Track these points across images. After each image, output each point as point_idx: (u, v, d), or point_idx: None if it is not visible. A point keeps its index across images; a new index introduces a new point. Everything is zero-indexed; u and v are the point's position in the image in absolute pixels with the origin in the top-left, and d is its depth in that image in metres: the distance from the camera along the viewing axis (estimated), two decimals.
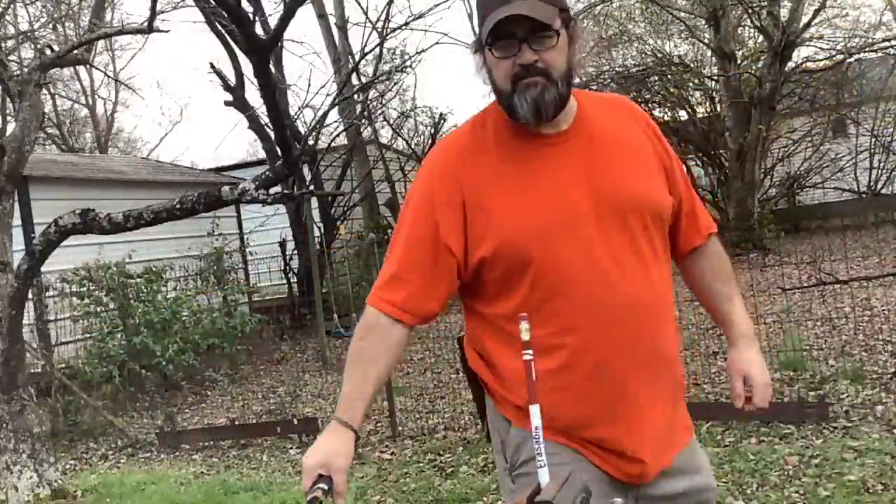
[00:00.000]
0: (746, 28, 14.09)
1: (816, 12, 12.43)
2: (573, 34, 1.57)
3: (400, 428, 5.63)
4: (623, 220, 1.55)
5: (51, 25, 15.16)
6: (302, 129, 10.30)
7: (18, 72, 5.61)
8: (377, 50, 11.09)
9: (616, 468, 1.55)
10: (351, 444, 1.50)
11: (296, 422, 5.88)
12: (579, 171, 1.56)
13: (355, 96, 11.34)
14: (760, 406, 1.73)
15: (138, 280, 8.04)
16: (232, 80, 10.53)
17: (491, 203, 1.54)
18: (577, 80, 1.61)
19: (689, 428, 1.70)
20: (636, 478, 1.56)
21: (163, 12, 9.47)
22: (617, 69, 14.11)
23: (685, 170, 1.76)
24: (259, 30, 8.00)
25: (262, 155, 12.93)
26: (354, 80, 11.60)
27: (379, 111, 12.77)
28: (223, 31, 10.12)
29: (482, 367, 1.66)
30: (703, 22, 13.14)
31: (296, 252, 11.25)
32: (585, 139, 1.59)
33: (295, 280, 11.29)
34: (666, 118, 14.13)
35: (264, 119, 9.97)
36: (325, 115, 10.10)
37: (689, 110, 13.95)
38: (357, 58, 11.43)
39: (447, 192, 1.56)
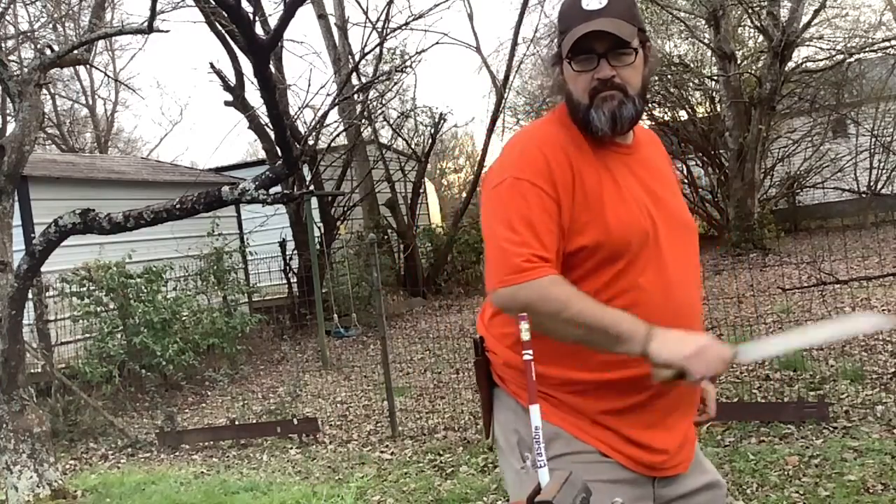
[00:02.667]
0: (746, 28, 14.10)
1: (816, 12, 12.43)
2: (648, 54, 1.62)
3: (400, 428, 5.63)
4: (680, 235, 1.65)
5: (51, 25, 15.17)
6: (302, 129, 10.31)
7: (18, 72, 5.61)
8: (377, 50, 11.11)
9: (637, 460, 1.58)
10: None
11: (296, 422, 5.88)
12: (645, 184, 1.64)
13: (355, 96, 11.34)
14: (712, 417, 1.78)
15: (138, 280, 8.04)
16: (232, 80, 10.53)
17: (595, 194, 1.55)
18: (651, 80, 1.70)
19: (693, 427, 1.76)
20: (657, 467, 1.59)
21: (163, 12, 9.46)
22: None
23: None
24: (259, 30, 8.00)
25: (262, 155, 12.93)
26: (354, 80, 11.60)
27: (379, 111, 12.78)
28: (223, 31, 10.12)
29: (515, 359, 1.59)
30: (703, 22, 13.14)
31: (296, 252, 11.25)
32: (644, 158, 1.69)
33: (295, 280, 11.29)
34: (666, 118, 14.14)
35: (264, 119, 9.98)
36: (325, 115, 10.15)
37: (689, 110, 13.97)
38: (357, 58, 11.44)
39: (561, 168, 1.54)
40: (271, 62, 7.69)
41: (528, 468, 1.57)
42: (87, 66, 18.48)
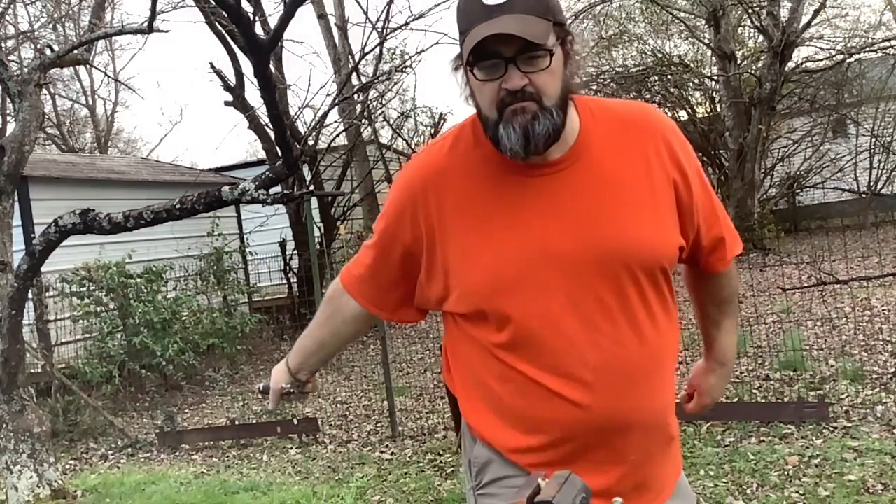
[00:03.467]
0: (746, 28, 14.09)
1: (816, 12, 12.43)
2: (570, 50, 1.35)
3: (400, 428, 5.63)
4: (610, 274, 1.36)
5: (51, 25, 15.18)
6: (302, 129, 10.30)
7: (18, 72, 5.60)
8: (377, 50, 11.08)
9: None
10: (282, 371, 1.73)
11: (296, 422, 5.88)
12: (565, 212, 1.36)
13: (355, 96, 11.34)
14: (690, 410, 1.75)
15: (138, 280, 8.04)
16: (232, 80, 10.53)
17: (455, 242, 1.39)
18: (576, 81, 1.40)
19: (677, 470, 1.55)
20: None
21: (163, 12, 9.44)
22: (617, 69, 14.12)
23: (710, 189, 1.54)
24: (259, 30, 8.00)
25: (262, 155, 12.92)
26: (354, 80, 11.60)
27: (379, 111, 12.77)
28: (223, 31, 10.11)
29: (454, 381, 1.56)
30: (703, 22, 13.14)
31: (296, 252, 11.25)
32: (581, 172, 1.38)
33: (295, 280, 11.29)
34: None
35: (264, 119, 9.97)
36: (325, 115, 10.12)
37: (689, 110, 13.96)
38: (357, 58, 11.42)
39: (413, 218, 1.43)
40: (271, 62, 7.68)
41: (474, 490, 1.51)
42: (87, 66, 18.48)
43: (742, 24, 13.94)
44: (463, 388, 1.52)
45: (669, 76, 13.52)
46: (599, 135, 1.40)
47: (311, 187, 10.30)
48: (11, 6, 13.49)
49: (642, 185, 1.40)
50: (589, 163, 1.38)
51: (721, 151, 13.27)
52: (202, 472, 5.41)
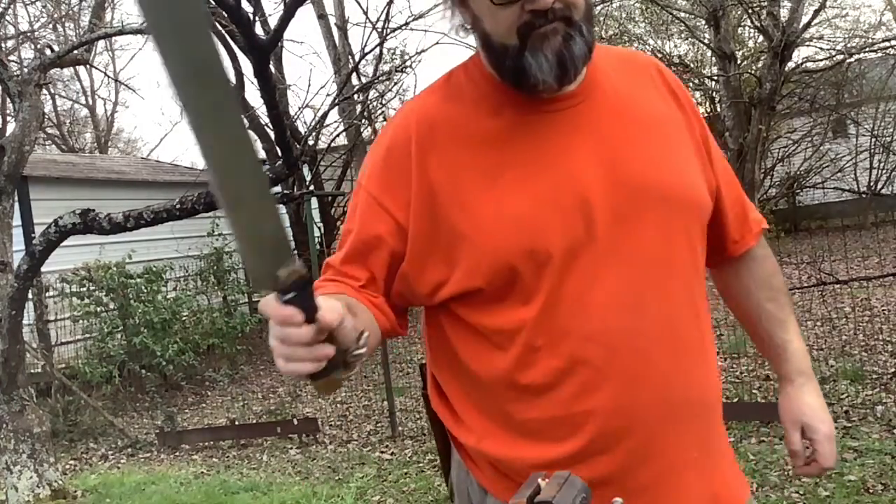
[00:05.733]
0: (746, 28, 14.10)
1: (816, 12, 12.43)
2: None
3: (400, 428, 5.63)
4: (651, 219, 1.11)
5: (51, 25, 15.17)
6: (302, 129, 10.31)
7: (18, 72, 5.60)
8: (377, 50, 11.09)
9: None
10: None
11: (296, 422, 5.88)
12: (591, 151, 1.12)
13: (355, 96, 11.34)
14: (827, 467, 1.33)
15: (138, 280, 8.05)
16: (232, 80, 10.53)
17: (465, 200, 1.10)
18: None
19: (744, 487, 1.29)
20: None
21: None
22: None
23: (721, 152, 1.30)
24: (259, 30, 7.99)
25: (262, 155, 12.93)
26: (354, 80, 11.60)
27: (379, 111, 12.77)
28: (223, 31, 10.11)
29: (449, 413, 1.23)
30: (703, 22, 13.14)
31: (296, 252, 11.24)
32: (599, 105, 1.15)
33: None
34: None
35: (264, 119, 9.98)
36: (325, 115, 10.12)
37: None
38: (357, 58, 11.43)
39: (405, 182, 1.12)
40: (271, 62, 7.68)
41: None
42: (87, 66, 18.48)
43: (742, 24, 13.93)
44: (466, 409, 1.20)
45: None
46: (605, 70, 1.18)
47: (311, 187, 10.32)
48: (11, 6, 13.50)
49: (660, 120, 1.19)
50: (605, 96, 1.16)
51: (721, 151, 13.28)
52: (202, 473, 5.41)
